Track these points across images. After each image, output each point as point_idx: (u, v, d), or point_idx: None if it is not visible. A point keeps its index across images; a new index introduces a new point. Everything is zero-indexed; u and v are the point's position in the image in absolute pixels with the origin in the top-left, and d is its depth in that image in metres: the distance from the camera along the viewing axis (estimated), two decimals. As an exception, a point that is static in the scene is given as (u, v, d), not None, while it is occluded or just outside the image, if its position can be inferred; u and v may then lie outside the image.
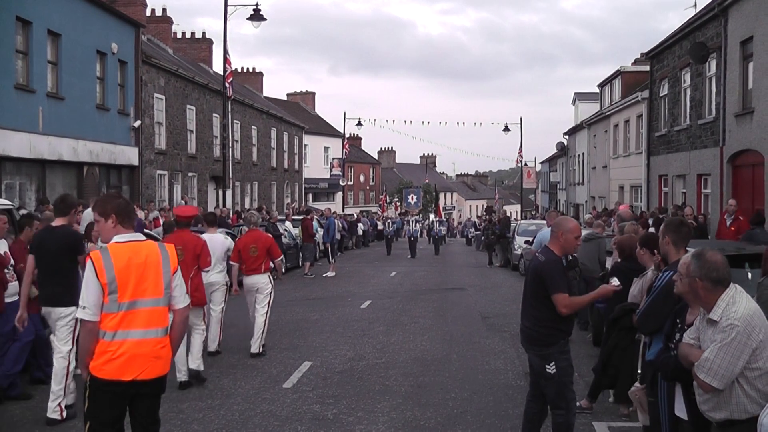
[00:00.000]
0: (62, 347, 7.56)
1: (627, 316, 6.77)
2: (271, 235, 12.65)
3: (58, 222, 7.94)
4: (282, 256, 12.18)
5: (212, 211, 16.50)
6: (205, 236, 10.16)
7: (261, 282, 10.87)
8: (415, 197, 61.71)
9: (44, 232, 7.94)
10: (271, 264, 11.36)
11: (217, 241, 10.65)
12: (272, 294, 11.04)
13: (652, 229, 16.55)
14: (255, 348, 10.74)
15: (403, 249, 35.91)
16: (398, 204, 68.57)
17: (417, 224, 35.52)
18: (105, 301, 4.65)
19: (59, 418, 7.43)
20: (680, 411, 4.74)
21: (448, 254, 36.03)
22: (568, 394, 6.13)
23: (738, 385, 4.07)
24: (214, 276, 10.42)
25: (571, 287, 6.24)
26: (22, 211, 11.91)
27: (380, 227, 44.22)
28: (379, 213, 56.23)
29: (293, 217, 29.30)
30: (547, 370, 6.06)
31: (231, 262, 10.85)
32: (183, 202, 27.75)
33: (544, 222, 18.13)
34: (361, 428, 7.43)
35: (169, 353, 4.90)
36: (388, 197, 66.30)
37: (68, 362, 7.51)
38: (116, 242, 4.84)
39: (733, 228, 14.69)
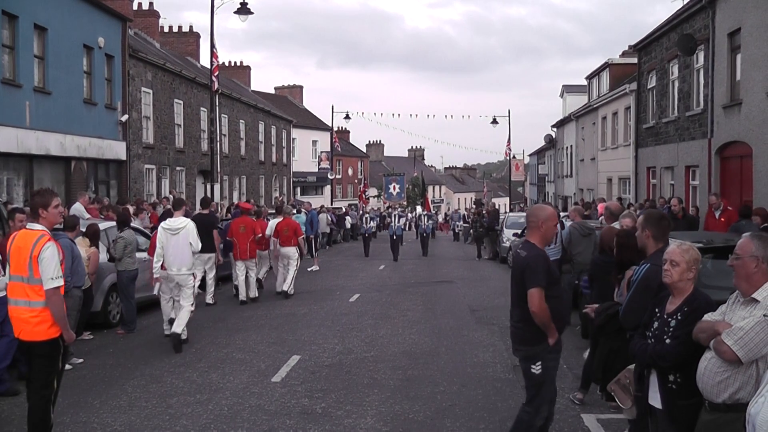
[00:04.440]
0: (210, 273, 15.10)
1: (613, 320, 6.51)
2: (297, 222, 17.86)
3: (203, 211, 15.13)
4: (303, 235, 17.39)
5: (284, 204, 22.17)
6: (271, 221, 17.04)
7: (291, 252, 16.32)
8: (398, 187, 51.67)
9: (197, 217, 14.21)
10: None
11: (273, 223, 16.80)
12: (298, 261, 16.70)
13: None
14: (288, 290, 16.31)
15: (384, 246, 30.48)
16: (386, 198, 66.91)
17: (401, 219, 30.27)
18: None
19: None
20: (654, 400, 4.74)
21: (436, 248, 35.76)
22: (545, 396, 5.84)
23: (755, 366, 4.06)
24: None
25: (558, 283, 5.83)
26: (10, 207, 12.01)
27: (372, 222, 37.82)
28: (360, 205, 47.55)
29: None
30: (533, 370, 5.74)
31: (273, 238, 16.48)
32: (171, 196, 27.68)
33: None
34: (350, 422, 7.42)
35: (49, 322, 5.93)
36: (369, 187, 58.25)
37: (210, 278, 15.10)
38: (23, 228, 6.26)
39: (723, 219, 14.80)
